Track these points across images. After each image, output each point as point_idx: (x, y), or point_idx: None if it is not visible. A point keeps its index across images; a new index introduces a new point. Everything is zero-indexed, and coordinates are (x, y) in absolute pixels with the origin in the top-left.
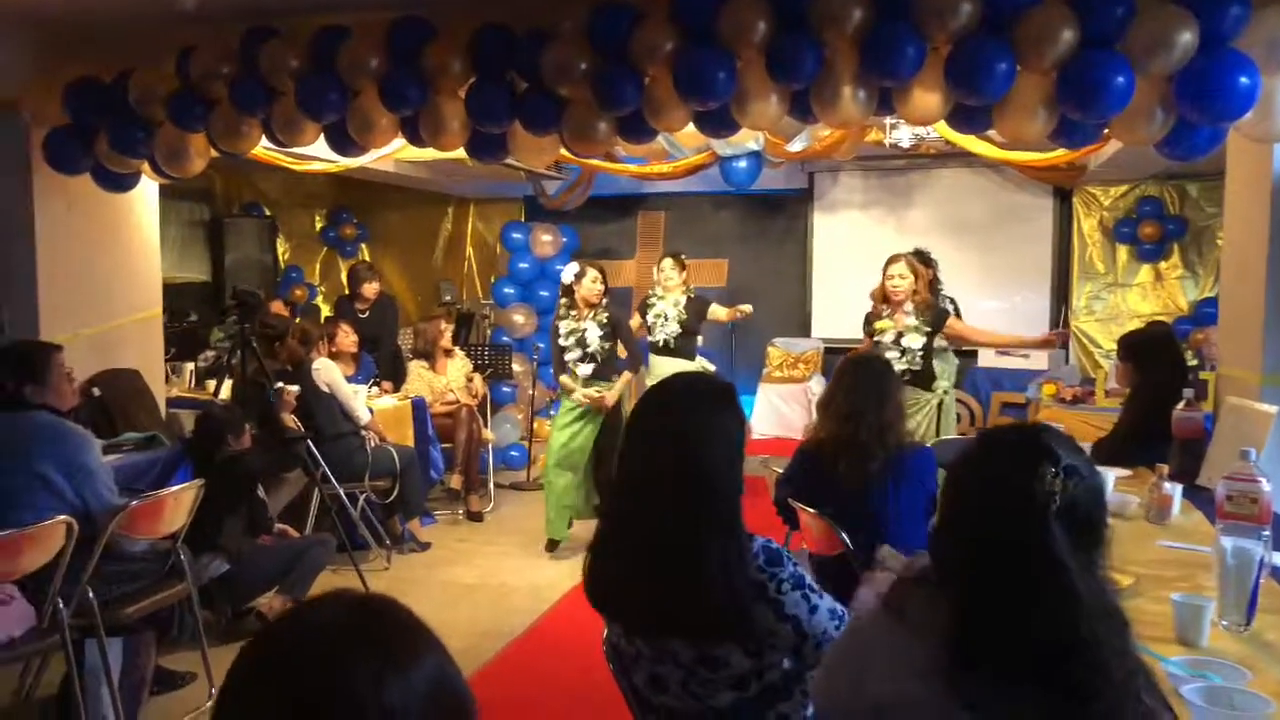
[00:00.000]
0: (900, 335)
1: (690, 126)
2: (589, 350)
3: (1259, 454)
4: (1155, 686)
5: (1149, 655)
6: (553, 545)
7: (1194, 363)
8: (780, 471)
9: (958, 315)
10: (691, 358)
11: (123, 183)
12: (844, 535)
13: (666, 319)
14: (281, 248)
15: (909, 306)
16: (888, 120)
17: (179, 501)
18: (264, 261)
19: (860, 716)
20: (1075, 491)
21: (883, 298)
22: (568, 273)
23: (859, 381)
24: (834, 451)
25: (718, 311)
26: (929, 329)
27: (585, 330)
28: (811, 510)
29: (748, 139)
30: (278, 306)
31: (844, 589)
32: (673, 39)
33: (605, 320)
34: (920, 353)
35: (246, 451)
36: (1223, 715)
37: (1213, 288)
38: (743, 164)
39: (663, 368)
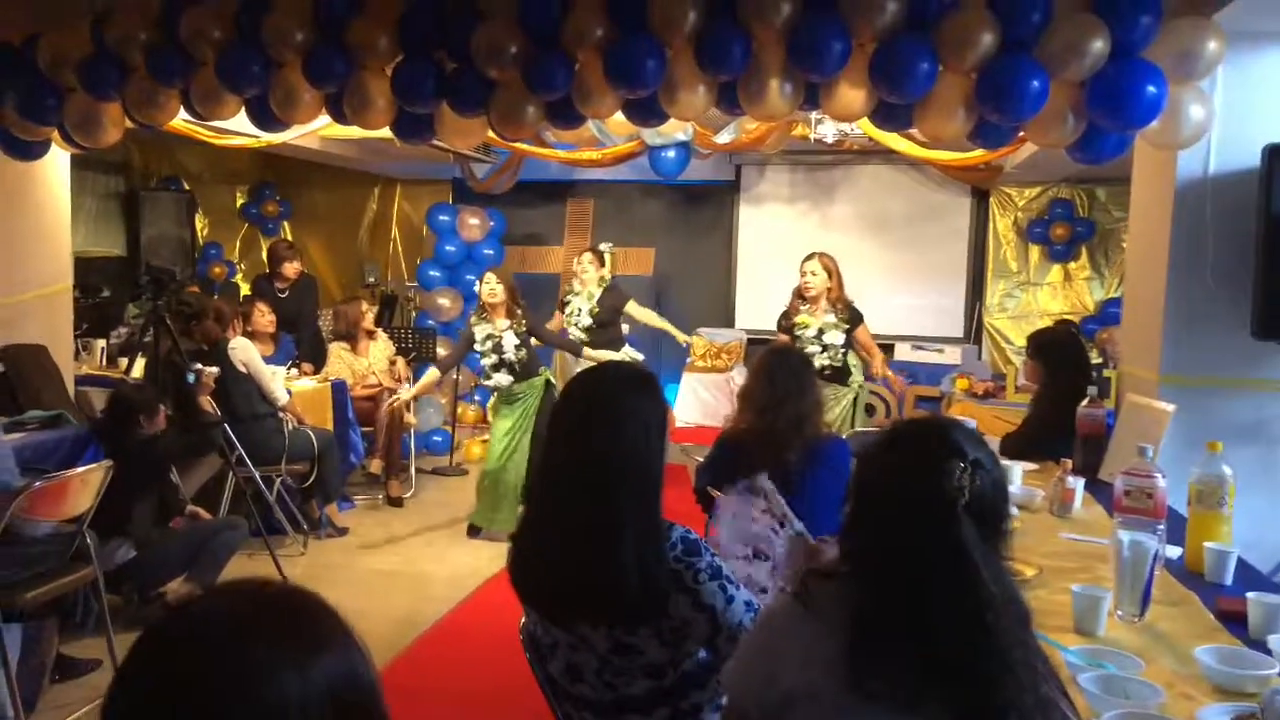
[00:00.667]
0: (822, 331)
1: (620, 114)
2: (504, 358)
3: (1156, 450)
4: (1053, 675)
5: (1048, 644)
6: (474, 531)
7: (1099, 361)
8: (701, 460)
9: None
10: (617, 347)
11: (31, 151)
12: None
13: (579, 313)
14: (200, 223)
15: (825, 304)
16: (813, 115)
17: (85, 483)
18: (182, 237)
19: (772, 707)
20: (981, 486)
21: (798, 294)
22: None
23: (778, 373)
24: (753, 441)
25: (639, 312)
26: (848, 326)
27: (502, 338)
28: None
29: (676, 129)
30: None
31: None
32: (604, 25)
33: (523, 329)
34: (841, 349)
35: (161, 434)
36: (1116, 704)
37: (1118, 288)
38: (671, 154)
39: (584, 361)
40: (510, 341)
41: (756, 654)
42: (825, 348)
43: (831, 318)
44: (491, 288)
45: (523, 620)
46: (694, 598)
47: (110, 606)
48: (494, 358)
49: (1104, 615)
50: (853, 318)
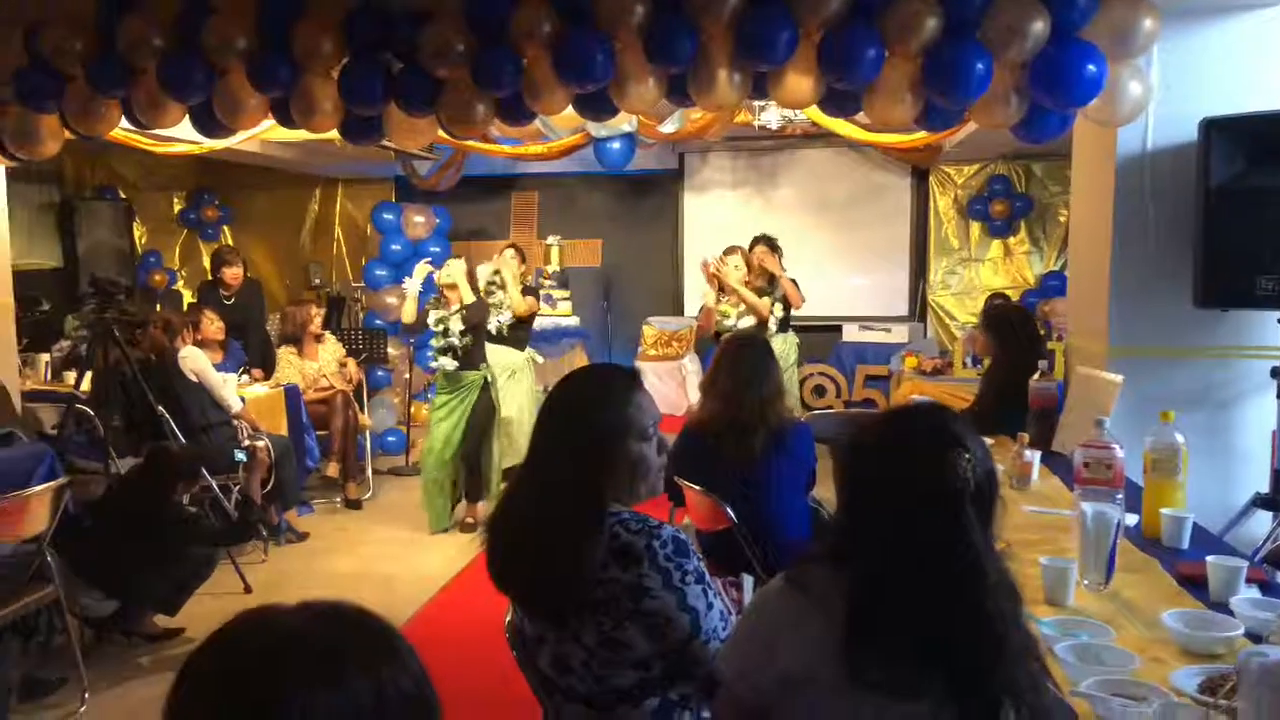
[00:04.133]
0: (738, 320)
1: (568, 109)
2: (450, 341)
3: (1107, 420)
4: (1040, 654)
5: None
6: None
7: (1042, 332)
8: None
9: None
10: (522, 346)
11: None
12: (729, 511)
13: (500, 307)
14: (138, 231)
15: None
16: (756, 102)
17: (42, 502)
18: (120, 246)
19: (767, 691)
20: (979, 474)
21: (720, 284)
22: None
23: (740, 362)
24: (718, 430)
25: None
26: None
27: (450, 323)
28: (697, 487)
29: (622, 121)
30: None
31: (729, 563)
32: (551, 21)
33: (471, 320)
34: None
35: (201, 519)
36: (1093, 672)
37: (1056, 261)
38: (616, 145)
39: (496, 357)
40: (455, 326)
41: (752, 639)
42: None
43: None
44: (449, 271)
45: (508, 615)
46: (680, 597)
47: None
48: (442, 340)
49: (1072, 585)
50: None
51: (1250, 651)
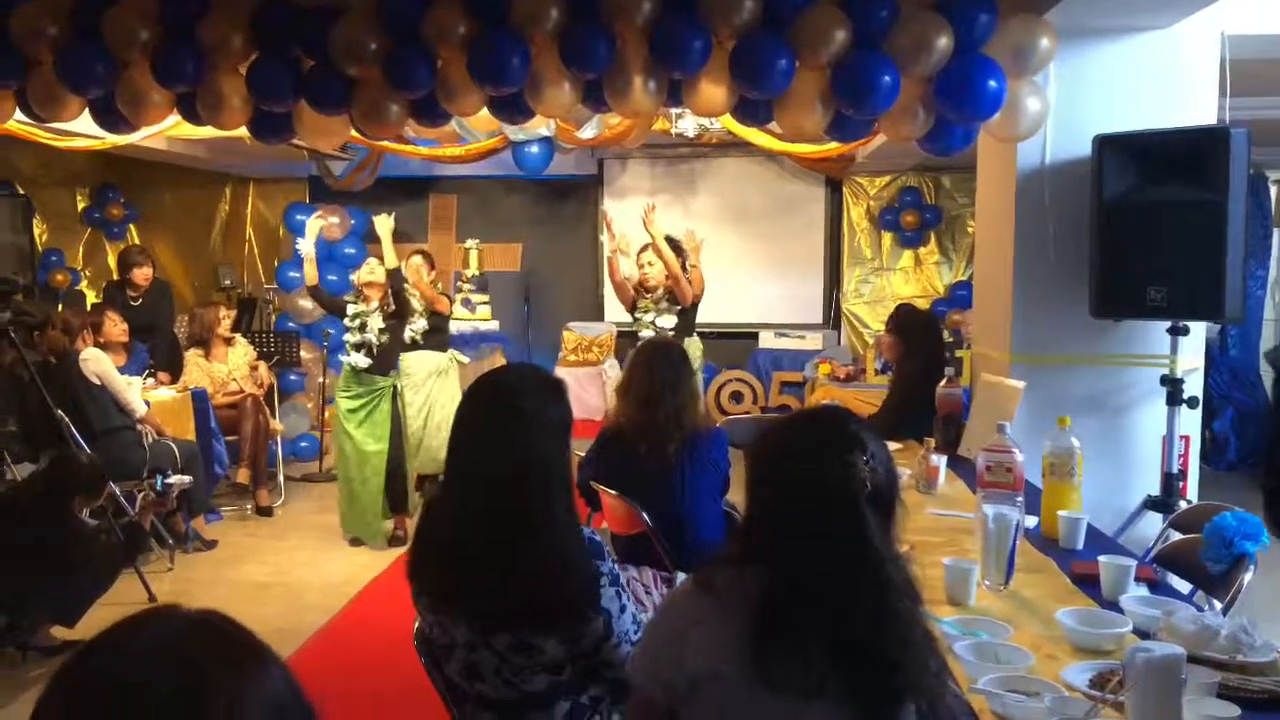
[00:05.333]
0: (655, 317)
1: (484, 111)
2: (366, 337)
3: (1010, 426)
4: (940, 652)
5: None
6: (358, 541)
7: (950, 341)
8: (581, 455)
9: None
10: (443, 349)
11: None
12: (644, 515)
13: (415, 314)
14: (39, 229)
15: (661, 292)
16: (674, 110)
17: None
18: (19, 244)
19: (677, 691)
20: (878, 476)
21: (638, 284)
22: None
23: (654, 366)
24: (634, 435)
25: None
26: (678, 307)
27: (369, 319)
28: (613, 492)
29: (539, 125)
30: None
31: (643, 564)
32: (465, 22)
33: (390, 313)
34: (672, 332)
35: (100, 538)
36: (990, 669)
37: (964, 271)
38: (535, 149)
39: (412, 363)
40: (375, 324)
41: (661, 639)
42: (658, 331)
43: (666, 303)
44: (371, 267)
45: (416, 624)
46: (593, 601)
47: None
48: (358, 336)
49: (974, 586)
50: (676, 298)
51: (1137, 647)
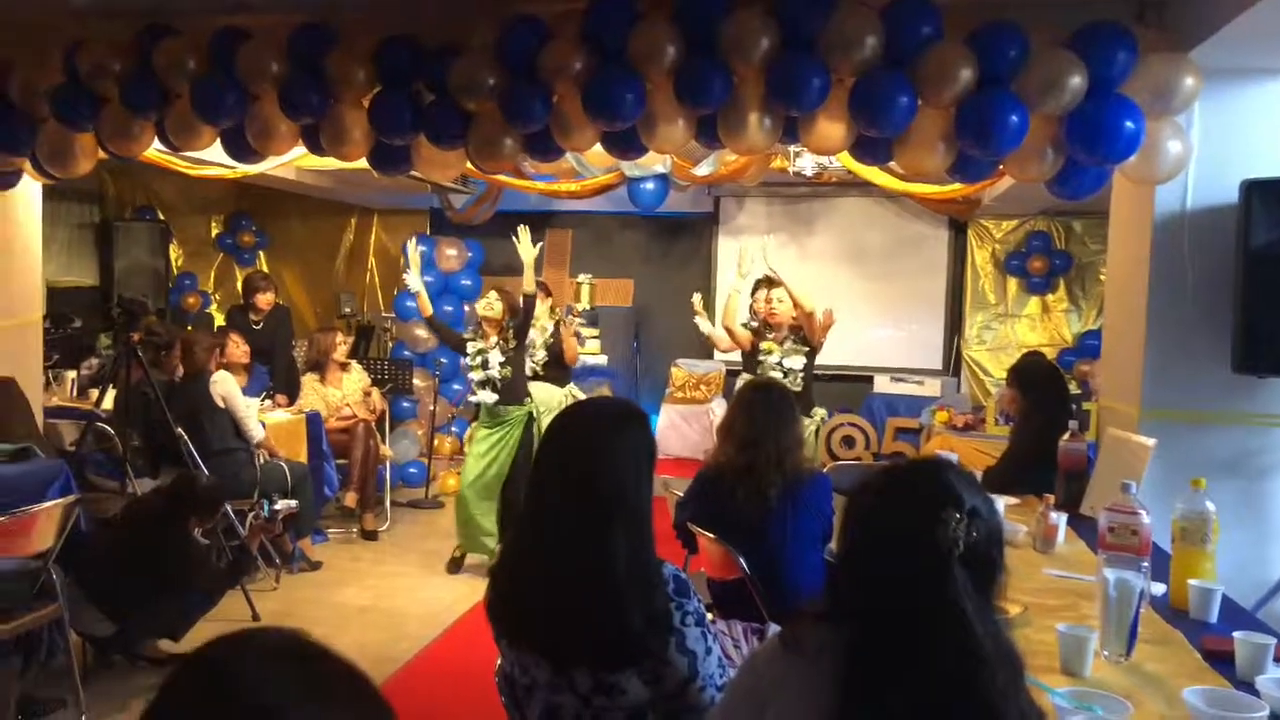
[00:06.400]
0: (783, 358)
1: (598, 146)
2: (489, 374)
3: (1138, 486)
4: None
5: (1035, 685)
6: (456, 565)
7: (1077, 393)
8: (680, 494)
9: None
10: (563, 384)
11: (2, 181)
12: (741, 561)
13: (534, 346)
14: (175, 253)
15: (787, 330)
16: (792, 148)
17: (51, 518)
18: (156, 267)
19: None
20: (977, 535)
21: (764, 322)
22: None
23: (758, 408)
24: (733, 477)
25: (570, 342)
26: (807, 349)
27: (489, 355)
28: (710, 535)
29: (655, 162)
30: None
31: (740, 614)
32: (582, 58)
33: (511, 347)
34: (801, 374)
35: (209, 559)
36: None
37: (1095, 320)
38: (650, 186)
39: (540, 393)
40: (495, 359)
41: (743, 698)
42: (786, 373)
43: (791, 342)
44: (489, 302)
45: (499, 662)
46: (679, 639)
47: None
48: (481, 374)
49: (1090, 655)
50: (805, 339)
51: None
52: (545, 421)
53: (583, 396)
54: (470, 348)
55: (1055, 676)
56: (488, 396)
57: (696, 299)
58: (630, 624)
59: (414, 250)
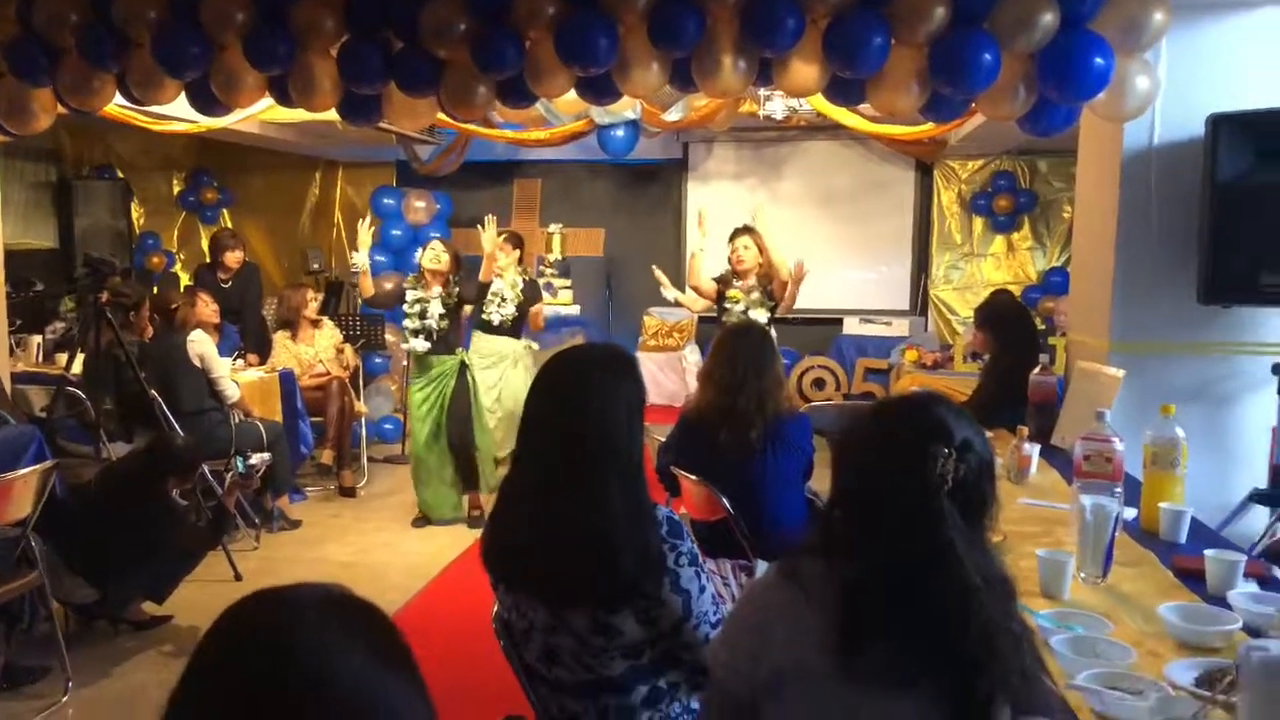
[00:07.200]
0: (748, 309)
1: (570, 93)
2: (425, 323)
3: (1108, 413)
4: (1036, 650)
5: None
6: (423, 521)
7: (1043, 329)
8: (661, 440)
9: None
10: (519, 337)
11: None
12: (725, 501)
13: (504, 300)
14: (136, 212)
15: (754, 279)
16: (761, 92)
17: (28, 485)
18: (117, 227)
19: (760, 684)
20: (967, 469)
21: (731, 271)
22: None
23: (738, 352)
24: (715, 420)
25: (538, 314)
26: (771, 304)
27: (429, 305)
28: (693, 477)
29: (625, 108)
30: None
31: (724, 553)
32: (554, 3)
33: (453, 298)
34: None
35: (189, 520)
36: (1088, 664)
37: (1059, 258)
38: (620, 133)
39: (492, 346)
40: (435, 309)
41: (744, 631)
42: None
43: (758, 294)
44: (436, 254)
45: (495, 607)
46: (673, 579)
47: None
48: (417, 322)
49: (1069, 578)
50: (769, 295)
51: (1251, 644)
52: (479, 372)
53: (536, 348)
54: (409, 295)
55: (1036, 599)
56: (420, 345)
57: (658, 273)
58: (625, 565)
59: (365, 230)
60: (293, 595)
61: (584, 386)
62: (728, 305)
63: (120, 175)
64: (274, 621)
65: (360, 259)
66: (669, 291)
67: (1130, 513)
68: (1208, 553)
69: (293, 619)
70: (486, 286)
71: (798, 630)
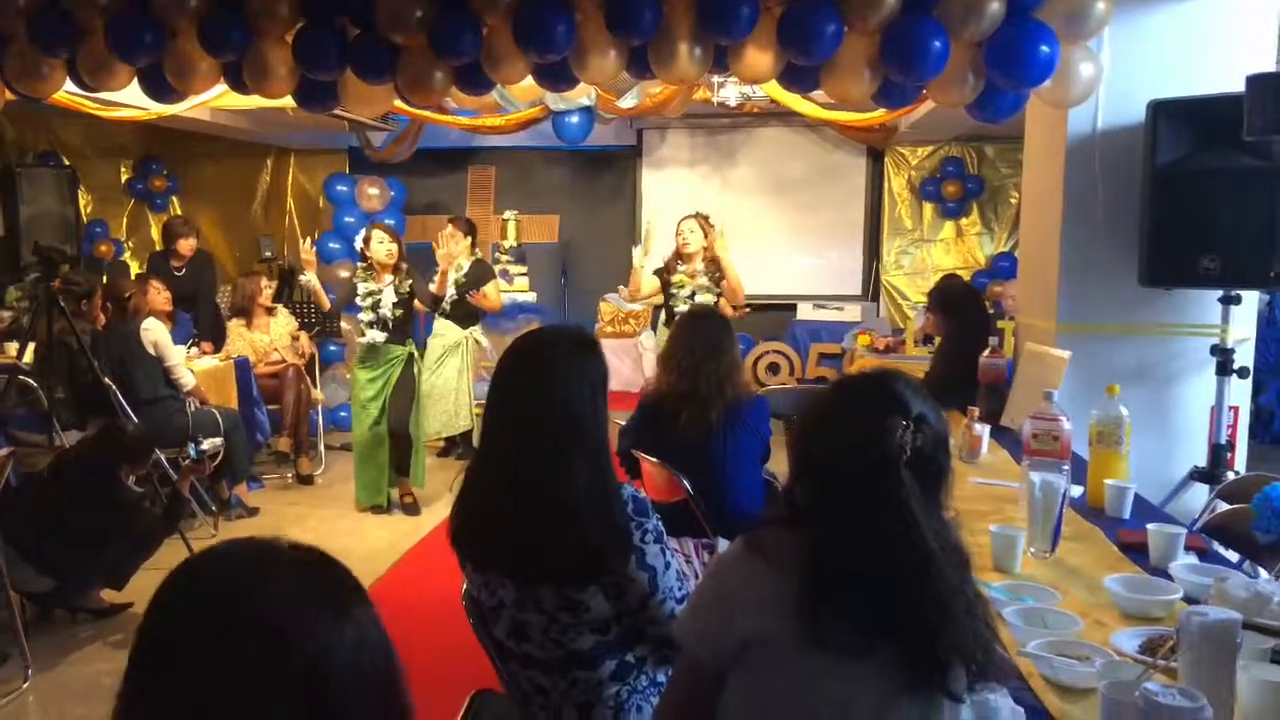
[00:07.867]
0: (694, 293)
1: (527, 79)
2: (380, 314)
3: (1055, 393)
4: (990, 618)
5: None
6: (380, 508)
7: (992, 312)
8: (621, 424)
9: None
10: (468, 323)
11: None
12: (685, 482)
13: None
14: (84, 200)
15: (700, 265)
16: (715, 79)
17: None
18: (64, 215)
19: (726, 653)
20: (924, 440)
21: (676, 255)
22: (359, 237)
23: (697, 336)
24: (675, 403)
25: (488, 294)
26: (718, 291)
27: (381, 295)
28: (653, 459)
29: (581, 94)
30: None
31: (686, 533)
32: None
33: (405, 287)
34: None
35: (144, 506)
36: (1038, 634)
37: (1007, 243)
38: (575, 119)
39: (440, 327)
40: (389, 299)
41: (710, 602)
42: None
43: (705, 280)
44: (389, 249)
45: (464, 586)
46: (639, 556)
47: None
48: (371, 314)
49: (1020, 553)
50: (717, 279)
51: (1191, 611)
52: (441, 356)
53: (485, 342)
54: (361, 289)
55: (988, 573)
56: (378, 335)
57: (619, 293)
58: (593, 543)
59: (306, 250)
60: (237, 547)
61: (549, 365)
62: (674, 291)
63: (66, 163)
64: (226, 571)
65: (309, 278)
66: (631, 305)
67: (1077, 490)
68: (1150, 527)
69: (245, 569)
70: (440, 299)
71: (763, 600)
